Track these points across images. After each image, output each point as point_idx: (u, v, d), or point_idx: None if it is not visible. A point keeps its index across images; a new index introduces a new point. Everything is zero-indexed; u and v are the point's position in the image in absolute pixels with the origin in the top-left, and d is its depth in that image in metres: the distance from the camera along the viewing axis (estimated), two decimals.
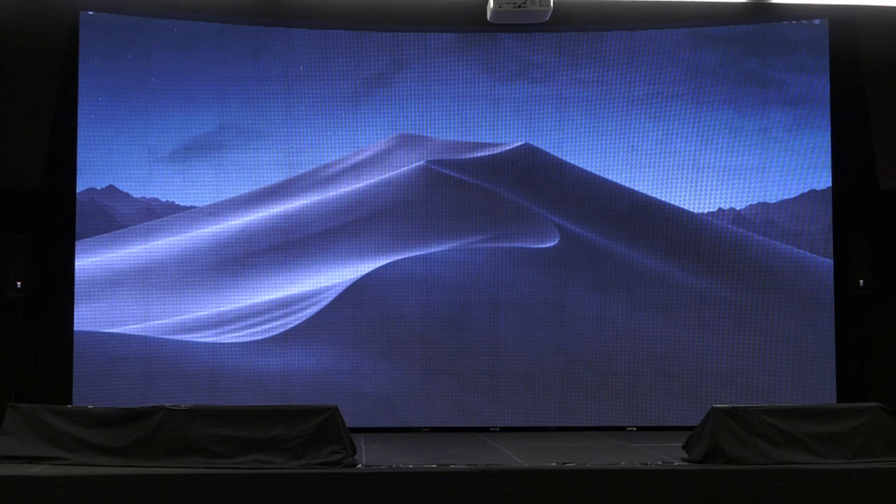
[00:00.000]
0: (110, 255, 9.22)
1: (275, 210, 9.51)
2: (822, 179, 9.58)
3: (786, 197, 9.62)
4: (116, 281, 9.19)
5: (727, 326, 9.51)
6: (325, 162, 9.56)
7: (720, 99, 9.62)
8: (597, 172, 9.63)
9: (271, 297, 9.38)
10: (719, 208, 9.65)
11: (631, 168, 9.62)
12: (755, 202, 9.65)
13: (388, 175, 9.59)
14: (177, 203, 9.40)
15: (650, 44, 9.62)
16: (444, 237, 9.53)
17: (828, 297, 9.48)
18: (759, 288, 9.53)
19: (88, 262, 9.13)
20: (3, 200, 9.04)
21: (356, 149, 9.58)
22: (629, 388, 9.45)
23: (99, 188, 9.23)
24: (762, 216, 9.63)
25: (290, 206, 9.52)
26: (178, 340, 9.18)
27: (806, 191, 9.61)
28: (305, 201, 9.54)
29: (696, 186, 9.61)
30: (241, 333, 9.28)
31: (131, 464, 6.58)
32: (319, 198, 9.55)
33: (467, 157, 9.62)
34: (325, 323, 9.31)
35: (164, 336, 9.18)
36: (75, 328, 9.03)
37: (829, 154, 9.57)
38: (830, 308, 9.46)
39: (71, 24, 9.08)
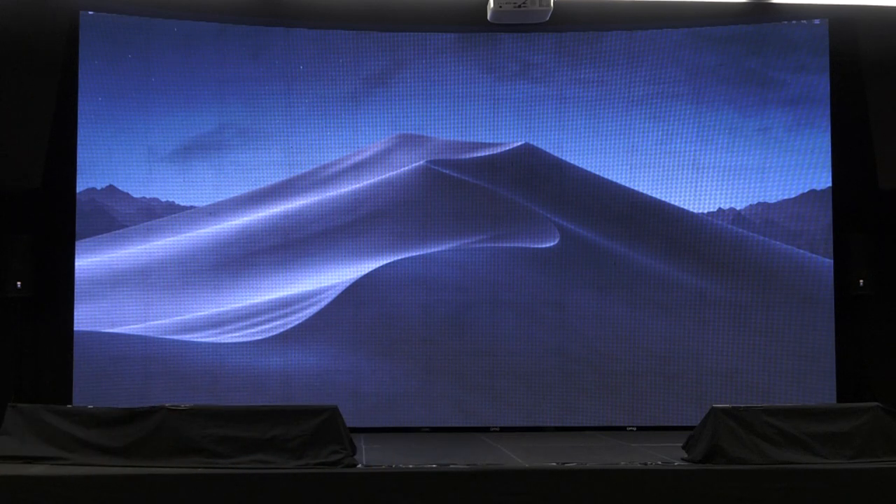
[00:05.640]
0: (110, 255, 9.22)
1: (275, 210, 9.51)
2: (822, 179, 9.58)
3: (786, 197, 9.62)
4: (116, 281, 9.19)
5: (727, 326, 9.50)
6: (325, 162, 9.56)
7: (720, 99, 9.62)
8: (597, 172, 9.63)
9: (271, 297, 9.38)
10: (719, 208, 9.65)
11: (631, 168, 9.62)
12: (755, 202, 9.65)
13: (388, 175, 9.59)
14: (177, 203, 9.40)
15: (650, 44, 9.62)
16: (444, 237, 9.53)
17: (828, 297, 9.48)
18: (759, 288, 9.53)
19: (88, 262, 9.13)
20: (3, 200, 9.04)
21: (356, 149, 9.59)
22: (629, 388, 9.45)
23: (99, 188, 9.23)
24: (762, 216, 9.63)
25: (290, 206, 9.52)
26: (178, 340, 9.18)
27: (806, 191, 9.61)
28: (305, 201, 9.54)
29: (696, 186, 9.61)
30: (241, 333, 9.28)
31: (131, 464, 6.58)
32: (319, 198, 9.55)
33: (467, 157, 9.62)
34: (325, 323, 9.31)
35: (164, 336, 9.18)
36: (75, 328, 9.03)
37: (829, 154, 9.56)
38: (830, 308, 9.46)
39: (71, 24, 9.07)
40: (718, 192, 9.62)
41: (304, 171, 9.54)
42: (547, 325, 9.51)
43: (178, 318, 9.26)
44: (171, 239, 9.36)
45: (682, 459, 7.07)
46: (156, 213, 9.36)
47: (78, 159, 9.12)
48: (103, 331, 9.09)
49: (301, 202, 9.53)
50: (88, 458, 6.67)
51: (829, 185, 9.56)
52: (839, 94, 9.58)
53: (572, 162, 9.63)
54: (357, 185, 9.57)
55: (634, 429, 9.35)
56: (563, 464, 6.79)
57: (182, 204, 9.41)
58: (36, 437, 6.80)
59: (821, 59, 9.57)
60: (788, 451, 6.89)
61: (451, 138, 9.63)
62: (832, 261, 9.51)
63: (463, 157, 9.62)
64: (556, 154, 9.63)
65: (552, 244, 9.57)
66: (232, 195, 9.48)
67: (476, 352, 9.43)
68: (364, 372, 9.33)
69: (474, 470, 6.56)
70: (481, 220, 9.57)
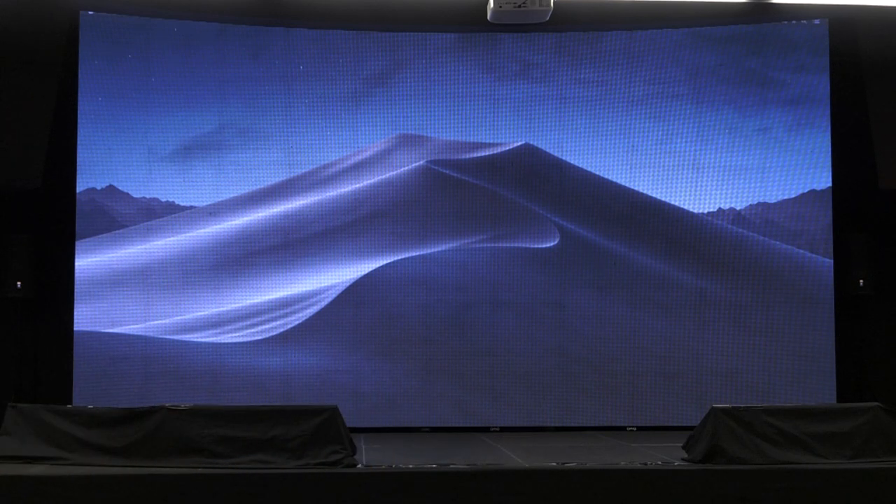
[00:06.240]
0: (110, 255, 9.22)
1: (275, 210, 9.51)
2: (822, 179, 9.58)
3: (786, 197, 9.63)
4: (116, 281, 9.19)
5: (727, 326, 9.50)
6: (325, 162, 9.56)
7: (720, 99, 9.62)
8: (597, 172, 9.63)
9: (271, 297, 9.38)
10: (719, 208, 9.65)
11: (631, 168, 9.62)
12: (755, 202, 9.65)
13: (388, 175, 9.59)
14: (177, 203, 9.40)
15: (650, 44, 9.62)
16: (444, 237, 9.53)
17: (828, 296, 9.48)
18: (759, 288, 9.53)
19: (88, 262, 9.14)
20: (3, 200, 9.04)
21: (356, 149, 9.59)
22: (629, 388, 9.45)
23: (99, 188, 9.23)
24: (762, 216, 9.63)
25: (290, 206, 9.52)
26: (178, 340, 9.19)
27: (806, 191, 9.61)
28: (305, 201, 9.54)
29: (696, 186, 9.62)
30: (241, 333, 9.28)
31: (131, 464, 6.58)
32: (319, 198, 9.55)
33: (467, 157, 9.63)
34: (325, 323, 9.31)
35: (164, 336, 9.18)
36: (75, 328, 9.03)
37: (829, 154, 9.57)
38: (830, 308, 9.46)
39: (71, 24, 9.07)
40: (718, 192, 9.63)
41: (304, 171, 9.54)
42: (547, 325, 9.51)
43: (178, 318, 9.26)
44: (171, 239, 9.36)
45: (682, 459, 7.07)
46: (156, 213, 9.36)
47: (78, 159, 9.12)
48: (103, 331, 9.09)
49: (301, 202, 9.53)
50: (88, 458, 6.67)
51: (829, 185, 9.56)
52: (839, 94, 9.58)
53: (572, 162, 9.63)
54: (357, 185, 9.58)
55: (634, 429, 9.35)
56: (563, 464, 6.79)
57: (182, 204, 9.41)
58: (36, 437, 6.80)
59: (821, 59, 9.57)
60: (788, 451, 6.89)
61: (451, 138, 9.63)
62: (832, 261, 9.52)
63: (463, 157, 9.62)
64: (556, 154, 9.63)
65: (552, 244, 9.57)
66: (232, 195, 9.48)
67: (476, 352, 9.43)
68: (364, 372, 9.33)
69: (474, 470, 6.57)
70: (481, 220, 9.57)
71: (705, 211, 9.65)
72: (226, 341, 9.23)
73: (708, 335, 9.52)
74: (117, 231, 9.26)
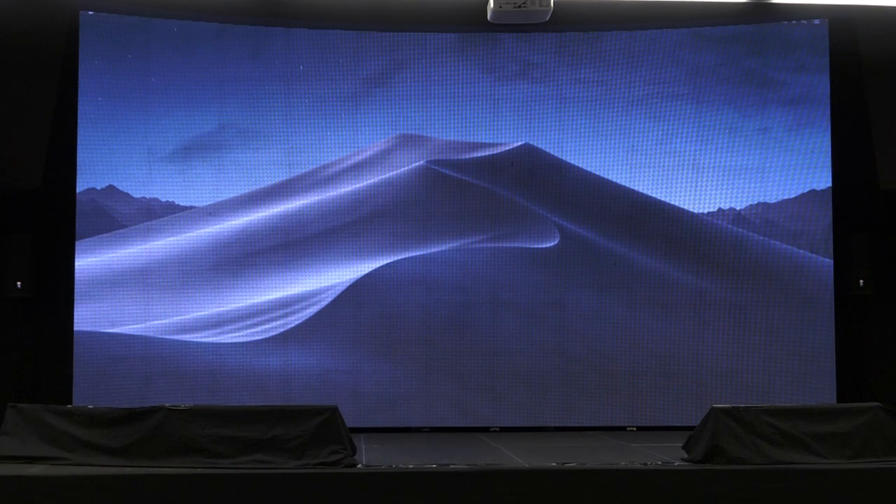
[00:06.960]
0: (110, 255, 9.22)
1: (275, 210, 9.51)
2: (822, 179, 9.58)
3: (786, 197, 9.63)
4: (116, 281, 9.19)
5: (727, 326, 9.51)
6: (325, 162, 9.56)
7: (720, 99, 9.62)
8: (597, 172, 9.63)
9: (271, 297, 9.38)
10: (719, 208, 9.65)
11: (631, 168, 9.62)
12: (755, 202, 9.65)
13: (388, 175, 9.59)
14: (177, 203, 9.40)
15: (650, 44, 9.62)
16: (444, 237, 9.53)
17: (828, 296, 9.48)
18: (758, 288, 9.53)
19: (88, 262, 9.14)
20: (3, 200, 9.04)
21: (356, 149, 9.59)
22: (629, 388, 9.45)
23: (99, 188, 9.23)
24: (762, 216, 9.63)
25: (290, 206, 9.52)
26: (178, 340, 9.18)
27: (806, 191, 9.61)
28: (305, 201, 9.54)
29: (696, 186, 9.62)
30: (241, 333, 9.28)
31: (131, 464, 6.59)
32: (319, 198, 9.55)
33: (467, 157, 9.63)
34: (325, 323, 9.31)
35: (164, 336, 9.18)
36: (75, 328, 9.03)
37: (829, 154, 9.57)
38: (830, 308, 9.46)
39: (71, 24, 9.08)
40: (718, 192, 9.63)
41: (304, 171, 9.54)
42: (547, 325, 9.51)
43: (178, 318, 9.26)
44: (171, 239, 9.36)
45: (682, 459, 7.08)
46: (156, 213, 9.36)
47: (78, 159, 9.12)
48: (103, 331, 9.09)
49: (301, 202, 9.53)
50: (88, 458, 6.67)
51: (829, 185, 9.56)
52: (839, 94, 9.58)
53: (572, 162, 9.63)
54: (357, 185, 9.58)
55: (634, 429, 9.35)
56: (563, 464, 6.80)
57: (182, 204, 9.41)
58: (36, 437, 6.80)
59: (821, 59, 9.57)
60: (788, 451, 6.90)
61: (451, 138, 9.63)
62: (832, 261, 9.51)
63: (463, 157, 9.62)
64: (556, 154, 9.63)
65: (552, 244, 9.57)
66: (232, 195, 9.48)
67: (476, 352, 9.43)
68: (364, 372, 9.33)
69: (474, 470, 6.57)
70: (481, 220, 9.57)
71: (705, 211, 9.65)
72: (226, 341, 9.23)
73: (708, 335, 9.52)
74: (117, 231, 9.26)
